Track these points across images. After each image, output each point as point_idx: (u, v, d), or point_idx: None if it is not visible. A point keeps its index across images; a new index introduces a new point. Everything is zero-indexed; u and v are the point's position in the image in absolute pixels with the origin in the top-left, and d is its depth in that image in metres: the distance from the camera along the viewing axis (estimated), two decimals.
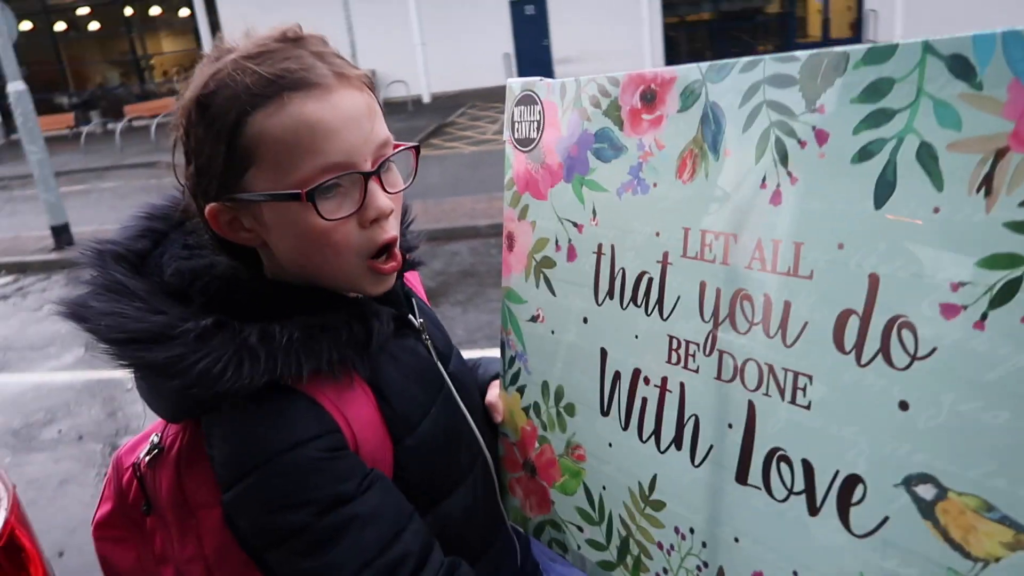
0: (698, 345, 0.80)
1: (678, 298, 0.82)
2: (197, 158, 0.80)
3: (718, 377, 0.79)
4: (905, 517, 0.64)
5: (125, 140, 18.18)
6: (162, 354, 0.75)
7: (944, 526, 0.61)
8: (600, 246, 0.90)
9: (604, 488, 0.95)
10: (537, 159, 0.96)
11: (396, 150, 0.82)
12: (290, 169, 0.76)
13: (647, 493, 0.89)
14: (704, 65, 0.76)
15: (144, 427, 3.68)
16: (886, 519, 0.65)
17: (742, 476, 0.78)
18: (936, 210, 0.59)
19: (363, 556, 0.78)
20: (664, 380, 0.85)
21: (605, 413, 0.92)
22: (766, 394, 0.74)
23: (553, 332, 0.98)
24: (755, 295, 0.74)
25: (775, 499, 0.75)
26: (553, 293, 0.97)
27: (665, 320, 0.84)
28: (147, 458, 0.92)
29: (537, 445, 1.03)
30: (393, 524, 0.80)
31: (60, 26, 26.15)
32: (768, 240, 0.72)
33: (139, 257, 0.86)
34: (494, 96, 18.84)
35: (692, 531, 0.84)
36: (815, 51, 0.66)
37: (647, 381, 0.87)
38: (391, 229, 0.80)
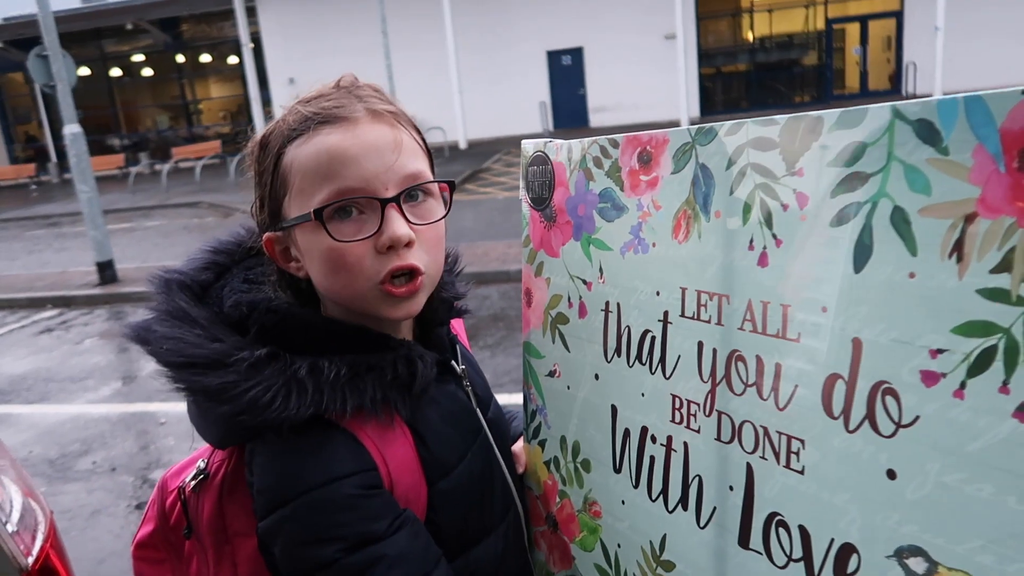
0: (699, 405, 0.80)
1: (679, 357, 0.82)
2: (259, 191, 0.87)
3: (718, 438, 0.79)
4: None
5: (171, 180, 18.77)
6: (216, 380, 0.79)
7: None
8: (607, 303, 0.91)
9: (619, 546, 0.95)
10: (550, 217, 0.98)
11: (425, 182, 0.83)
12: (312, 193, 0.80)
13: (658, 553, 0.89)
14: (693, 128, 0.77)
15: (174, 460, 3.74)
16: None
17: (744, 540, 0.77)
18: (912, 275, 0.59)
19: None
20: (669, 439, 0.85)
21: (617, 470, 0.93)
22: (763, 457, 0.74)
23: (568, 388, 0.99)
24: (748, 357, 0.74)
25: (775, 565, 0.74)
26: (568, 349, 0.99)
27: (668, 379, 0.84)
28: (192, 483, 0.94)
29: (558, 499, 1.03)
30: (422, 563, 0.81)
31: (115, 72, 27.26)
32: (757, 302, 0.72)
33: (202, 288, 0.90)
34: None
35: None
36: (794, 115, 0.67)
37: (654, 439, 0.87)
38: (409, 257, 0.81)
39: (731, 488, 0.78)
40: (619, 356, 0.90)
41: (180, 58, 26.92)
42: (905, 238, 0.59)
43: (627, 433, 0.91)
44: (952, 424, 0.57)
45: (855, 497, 0.65)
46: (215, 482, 0.93)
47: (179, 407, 5.29)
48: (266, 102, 22.42)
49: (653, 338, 0.85)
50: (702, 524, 0.82)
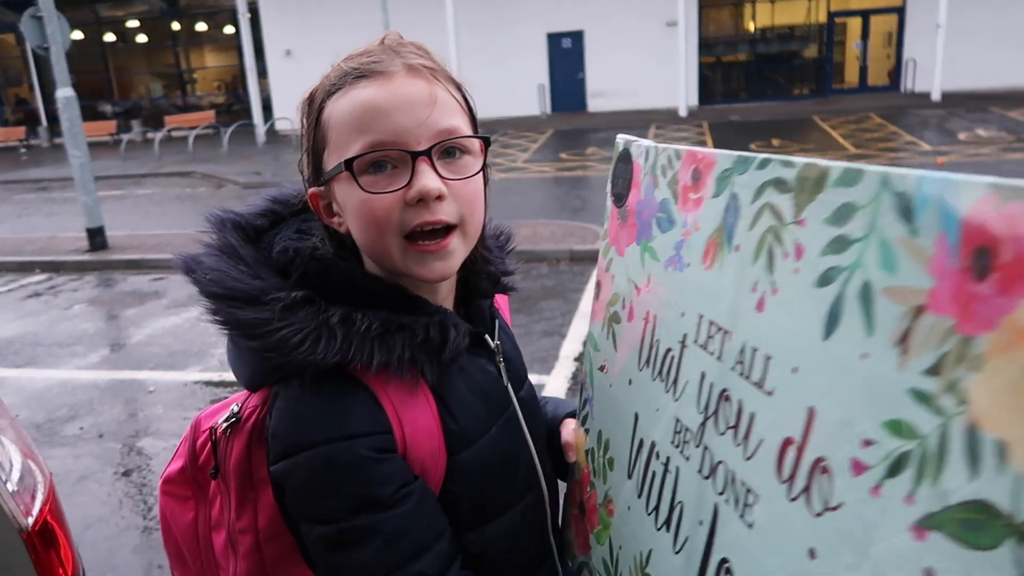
0: (692, 434, 0.81)
1: (687, 383, 0.82)
2: (304, 146, 0.89)
3: (700, 470, 0.79)
4: None
5: (163, 149, 18.60)
6: (251, 315, 0.81)
7: None
8: (647, 313, 0.92)
9: (620, 548, 0.97)
10: (623, 216, 0.98)
11: (458, 136, 0.83)
12: (346, 146, 0.82)
13: (644, 565, 0.90)
14: (735, 155, 0.76)
15: (162, 429, 3.74)
16: None
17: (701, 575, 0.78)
18: (864, 356, 0.56)
19: (382, 569, 0.80)
20: (668, 459, 0.86)
21: (629, 476, 0.94)
22: (727, 501, 0.74)
23: (611, 386, 1.01)
24: (734, 399, 0.73)
25: None
26: (615, 348, 1.00)
27: (676, 401, 0.84)
28: (224, 425, 0.95)
29: (588, 488, 1.05)
30: (417, 543, 0.82)
31: (109, 37, 26.89)
32: (749, 347, 0.71)
33: (256, 232, 0.93)
34: (525, 125, 19.04)
35: None
36: (809, 162, 0.65)
37: (657, 456, 0.88)
38: (438, 212, 0.81)
39: (700, 523, 0.78)
40: (647, 367, 0.91)
41: (176, 25, 26.57)
42: (867, 315, 0.56)
43: (640, 443, 0.92)
44: (864, 521, 0.55)
45: (781, 567, 0.64)
46: (246, 427, 0.93)
47: (168, 376, 5.27)
48: (262, 73, 22.19)
49: (672, 358, 0.85)
50: (676, 549, 0.83)
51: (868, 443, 0.55)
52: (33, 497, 1.34)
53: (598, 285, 1.06)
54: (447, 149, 0.82)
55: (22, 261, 8.86)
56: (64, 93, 8.51)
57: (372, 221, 0.81)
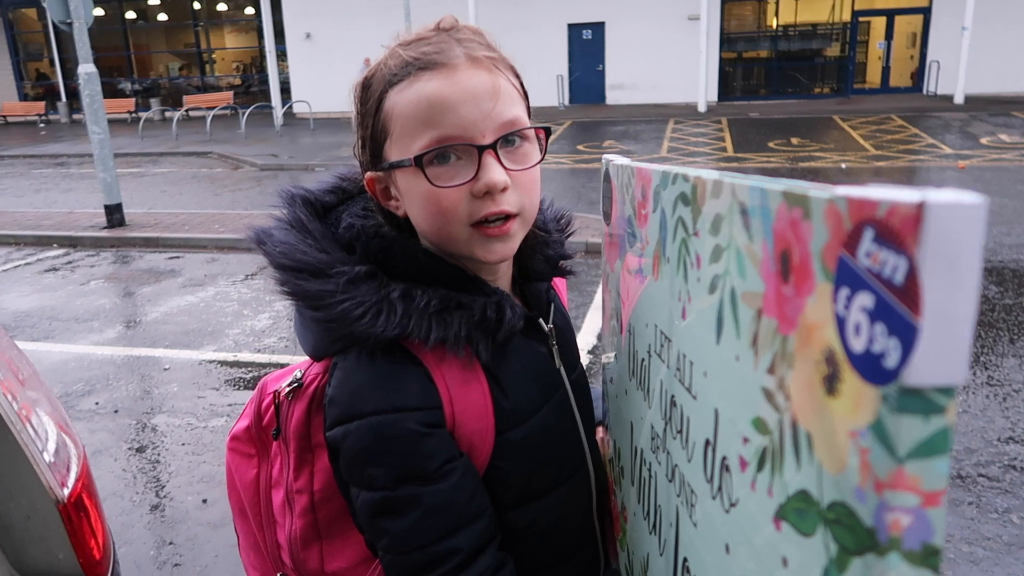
0: (660, 439, 0.83)
1: (654, 391, 0.86)
2: (361, 132, 0.90)
3: (666, 474, 0.82)
4: None
5: (181, 128, 18.66)
6: (316, 286, 0.84)
7: None
8: (630, 325, 0.95)
9: (633, 553, 0.99)
10: (611, 233, 1.02)
11: (521, 128, 0.85)
12: (412, 139, 0.83)
13: (645, 569, 0.92)
14: (661, 171, 0.78)
15: (177, 407, 3.77)
16: None
17: None
18: (737, 358, 0.58)
19: (420, 539, 0.83)
20: (650, 465, 0.89)
21: (632, 483, 0.97)
22: (683, 503, 0.76)
23: (617, 397, 1.05)
24: (678, 403, 0.76)
25: None
26: (617, 360, 1.04)
27: (650, 409, 0.87)
28: (287, 389, 1.00)
29: (613, 497, 1.09)
30: (456, 518, 0.84)
31: (130, 15, 26.96)
32: (681, 353, 0.74)
33: (324, 208, 0.95)
34: (543, 116, 18.97)
35: None
36: (698, 175, 0.66)
37: (644, 463, 0.91)
38: (503, 203, 0.83)
39: (670, 524, 0.81)
40: (634, 377, 0.94)
41: (196, 5, 26.61)
42: (735, 319, 0.59)
43: (635, 451, 0.95)
44: (749, 514, 0.57)
45: (714, 563, 0.67)
46: (307, 392, 0.98)
47: (183, 354, 5.30)
48: (281, 56, 22.21)
49: (646, 368, 0.89)
50: (660, 552, 0.85)
51: (746, 440, 0.57)
52: (68, 469, 1.35)
53: (603, 301, 1.10)
54: (508, 138, 0.84)
55: (40, 235, 8.92)
56: (86, 69, 8.54)
57: (439, 211, 0.83)
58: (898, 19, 20.73)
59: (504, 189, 0.82)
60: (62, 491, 1.28)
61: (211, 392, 4.69)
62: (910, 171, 10.81)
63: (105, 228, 8.96)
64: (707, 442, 0.67)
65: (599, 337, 5.17)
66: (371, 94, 0.87)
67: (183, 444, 4.03)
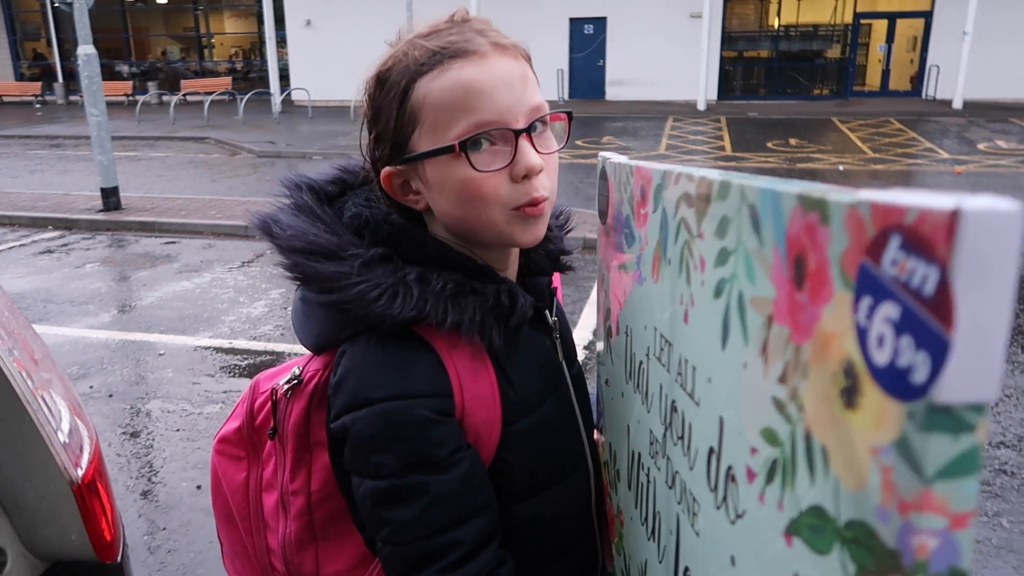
0: (660, 445, 0.82)
1: (653, 394, 0.84)
2: (376, 127, 0.89)
3: (666, 481, 0.80)
4: None
5: (178, 113, 18.55)
6: (330, 268, 0.84)
7: None
8: (627, 327, 0.94)
9: (630, 558, 0.98)
10: (608, 233, 1.00)
11: (549, 112, 0.87)
12: (448, 126, 0.82)
13: (643, 575, 0.91)
14: (663, 170, 0.76)
15: (172, 392, 3.75)
16: None
17: None
18: (745, 365, 0.56)
19: (424, 529, 0.82)
20: (648, 470, 0.87)
21: (629, 487, 0.96)
22: (684, 511, 0.75)
23: (612, 399, 1.03)
24: (679, 409, 0.74)
25: None
26: (612, 363, 1.02)
27: (648, 413, 0.86)
28: (286, 386, 0.97)
29: (608, 500, 1.07)
30: (461, 509, 0.83)
31: None
32: (683, 358, 0.72)
33: (328, 197, 0.95)
34: None
35: None
36: (704, 175, 0.65)
37: (642, 467, 0.90)
38: (540, 187, 0.84)
39: (671, 532, 0.79)
40: (631, 380, 0.93)
41: None
42: (743, 325, 0.56)
43: (632, 455, 0.94)
44: (757, 527, 0.55)
45: (718, 574, 0.64)
46: (307, 389, 0.95)
47: (178, 340, 5.29)
48: (281, 42, 22.09)
49: (644, 370, 0.87)
50: (659, 559, 0.84)
51: (754, 451, 0.55)
52: (81, 451, 1.35)
53: (598, 301, 1.08)
54: (534, 125, 0.84)
55: (35, 217, 8.88)
56: (86, 51, 8.48)
57: (479, 197, 0.83)
58: (899, 22, 20.76)
59: (540, 172, 0.84)
60: (76, 472, 1.28)
61: (206, 378, 4.68)
62: (907, 175, 10.84)
63: (101, 211, 8.92)
64: (711, 450, 0.65)
65: (594, 333, 5.18)
66: (391, 86, 0.85)
67: (178, 430, 4.03)
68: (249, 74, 26.39)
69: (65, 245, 8.01)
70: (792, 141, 13.76)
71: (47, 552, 1.37)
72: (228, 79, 23.77)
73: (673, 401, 0.76)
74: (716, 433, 0.64)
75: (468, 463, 0.84)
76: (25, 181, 11.56)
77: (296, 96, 20.86)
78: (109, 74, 24.80)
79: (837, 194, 0.42)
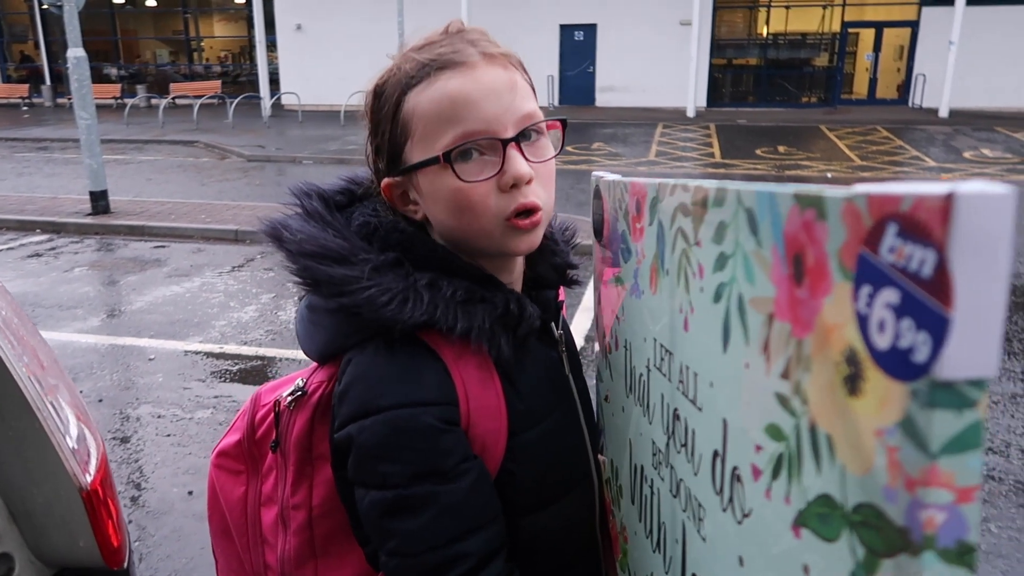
0: (663, 455, 0.82)
1: (655, 405, 0.84)
2: (375, 139, 0.90)
3: (671, 490, 0.80)
4: None
5: (167, 116, 18.46)
6: (341, 271, 0.83)
7: None
8: (626, 341, 0.94)
9: (635, 574, 0.97)
10: (603, 250, 1.01)
11: (539, 121, 0.86)
12: (435, 137, 0.83)
13: None
14: (657, 183, 0.77)
15: (162, 398, 3.71)
16: None
17: None
18: (747, 365, 0.57)
19: (432, 540, 0.81)
20: (652, 482, 0.87)
21: (632, 502, 0.96)
22: (689, 518, 0.75)
23: (613, 415, 1.03)
24: (681, 417, 0.75)
25: None
26: (612, 378, 1.02)
27: (650, 424, 0.86)
28: (289, 398, 0.96)
29: (611, 517, 1.07)
30: (469, 520, 0.82)
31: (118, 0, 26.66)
32: (684, 366, 0.73)
33: (337, 206, 0.95)
34: None
35: None
36: (699, 184, 0.66)
37: (646, 480, 0.90)
38: (531, 195, 0.84)
39: (676, 541, 0.79)
40: (632, 393, 0.93)
41: None
42: (744, 326, 0.58)
43: (635, 469, 0.94)
44: (764, 523, 0.56)
45: None
46: (311, 401, 0.94)
47: (169, 344, 5.26)
48: (271, 47, 22.05)
49: (644, 383, 0.88)
50: (666, 570, 0.84)
51: (759, 448, 0.56)
52: (89, 456, 1.34)
53: (595, 317, 1.09)
54: (526, 132, 0.84)
55: (23, 220, 8.82)
56: (75, 53, 8.44)
57: (468, 207, 0.83)
58: (887, 31, 20.94)
59: (529, 181, 0.83)
60: (85, 478, 1.28)
61: (197, 383, 4.66)
62: (894, 182, 10.93)
63: (89, 215, 8.86)
64: (715, 453, 0.66)
65: (587, 339, 5.20)
66: (385, 100, 0.86)
67: (168, 435, 4.01)
68: (239, 78, 26.30)
69: (53, 249, 7.96)
70: (781, 148, 13.85)
71: (54, 558, 1.36)
72: (218, 83, 23.69)
73: (675, 409, 0.77)
74: (720, 436, 0.64)
75: (476, 473, 0.83)
76: (12, 184, 11.47)
77: (286, 100, 20.81)
78: (98, 77, 24.65)
79: (833, 191, 0.44)
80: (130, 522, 3.29)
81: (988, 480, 3.49)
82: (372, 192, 0.96)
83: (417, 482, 0.80)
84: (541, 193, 0.85)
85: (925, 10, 19.67)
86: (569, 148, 13.69)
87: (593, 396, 1.07)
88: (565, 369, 0.99)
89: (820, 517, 0.48)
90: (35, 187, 11.12)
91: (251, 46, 23.90)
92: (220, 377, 4.77)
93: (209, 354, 5.12)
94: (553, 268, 0.98)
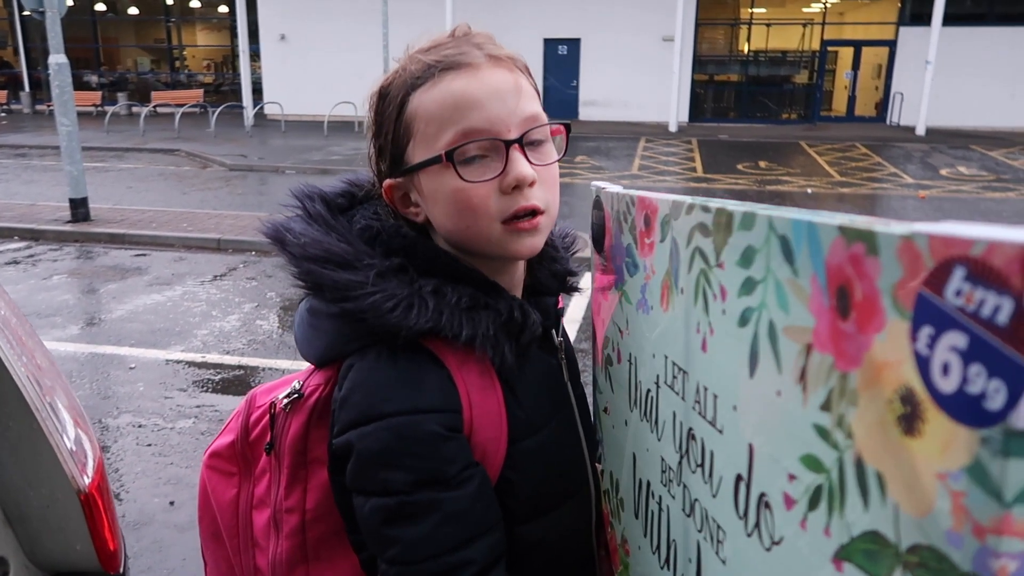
0: (675, 472, 0.82)
1: (664, 422, 0.84)
2: (378, 140, 0.89)
3: (683, 508, 0.80)
4: None
5: (149, 125, 18.31)
6: (346, 276, 0.83)
7: None
8: (631, 355, 0.94)
9: None
10: (604, 261, 1.00)
11: (543, 124, 0.86)
12: (438, 137, 0.83)
13: None
14: (671, 200, 0.77)
15: (144, 407, 3.66)
16: None
17: None
18: (779, 393, 0.56)
19: (434, 548, 0.80)
20: (660, 498, 0.87)
21: (636, 516, 0.95)
22: (705, 538, 0.74)
23: (613, 427, 1.02)
24: (697, 437, 0.74)
25: None
26: (612, 390, 1.02)
27: (659, 441, 0.86)
28: (285, 400, 0.95)
29: (609, 529, 1.06)
30: (472, 527, 0.82)
31: (100, 7, 26.47)
32: (702, 386, 0.72)
33: (338, 209, 0.94)
34: None
35: None
36: (721, 205, 0.66)
37: (653, 495, 0.89)
38: (532, 197, 0.83)
39: (690, 560, 0.79)
40: (636, 407, 0.93)
41: (168, 0, 26.23)
42: (776, 354, 0.57)
43: (640, 483, 0.93)
44: (799, 554, 0.55)
45: None
46: (307, 404, 0.93)
47: (150, 353, 5.20)
48: (254, 56, 21.98)
49: (652, 398, 0.87)
50: None
51: (793, 477, 0.55)
52: (86, 459, 1.32)
53: (593, 328, 1.08)
54: (530, 136, 0.84)
55: (0, 227, 8.68)
56: (57, 59, 8.36)
57: (468, 208, 0.83)
58: (865, 50, 21.31)
59: (532, 183, 0.83)
60: (84, 480, 1.25)
61: (178, 393, 4.61)
62: (873, 199, 11.08)
63: (69, 222, 8.75)
64: (739, 477, 0.65)
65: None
66: (390, 100, 0.86)
67: (149, 445, 3.95)
68: (221, 87, 26.18)
69: (31, 256, 7.85)
70: (762, 163, 14.00)
71: (50, 563, 1.34)
72: (200, 92, 23.55)
73: (690, 429, 0.76)
74: (745, 460, 0.63)
75: (478, 480, 0.83)
76: None
77: (269, 110, 20.72)
78: (78, 84, 24.35)
79: (884, 226, 0.43)
80: None
81: None
82: (373, 195, 0.95)
83: (420, 489, 0.79)
84: (543, 196, 0.85)
85: (902, 30, 20.03)
86: None
87: (590, 405, 1.06)
88: (564, 377, 0.99)
89: (867, 554, 0.47)
90: (13, 194, 10.97)
91: (234, 55, 23.85)
92: (202, 387, 4.72)
93: (191, 363, 5.06)
94: (553, 275, 0.98)
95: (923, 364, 0.41)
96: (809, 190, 11.52)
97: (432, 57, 0.84)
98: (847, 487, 0.49)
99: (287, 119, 19.56)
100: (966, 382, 0.38)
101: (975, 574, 0.38)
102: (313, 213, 0.90)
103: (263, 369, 4.98)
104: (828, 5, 21.18)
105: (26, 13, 8.39)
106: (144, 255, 7.90)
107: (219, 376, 4.87)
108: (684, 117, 20.68)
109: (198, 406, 4.43)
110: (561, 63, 21.40)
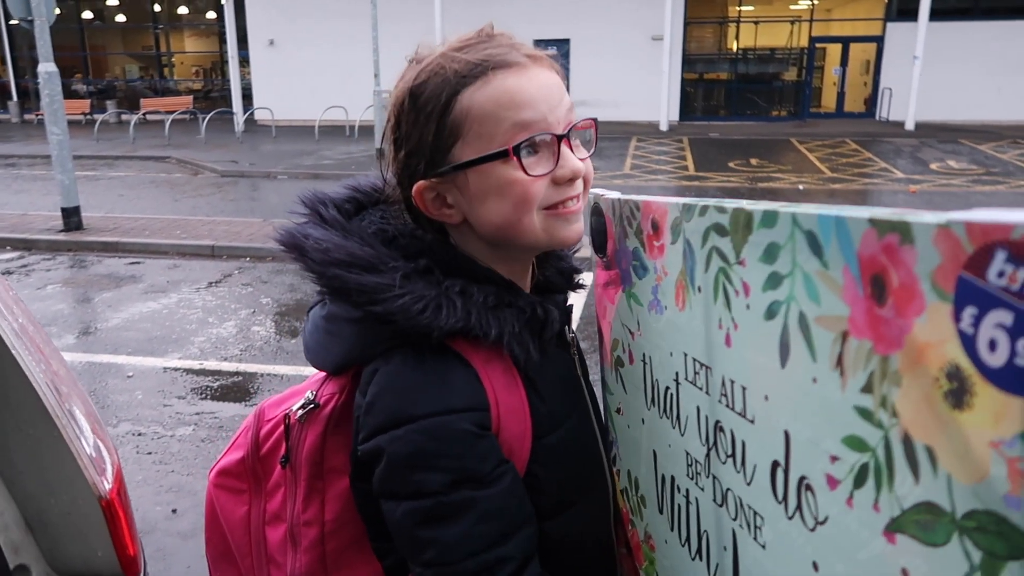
0: (702, 465, 0.84)
1: (687, 417, 0.86)
2: (407, 143, 0.87)
3: (714, 499, 0.82)
4: None
5: (138, 132, 18.25)
6: (373, 280, 0.82)
7: None
8: (644, 355, 0.96)
9: None
10: (607, 266, 1.03)
11: (581, 119, 0.88)
12: (495, 133, 0.83)
13: None
14: (681, 203, 0.80)
15: (143, 415, 3.64)
16: None
17: None
18: (815, 380, 0.60)
19: (472, 546, 0.80)
20: (687, 492, 0.89)
21: (660, 511, 0.97)
22: (741, 526, 0.76)
23: (629, 427, 1.04)
24: (726, 429, 0.77)
25: None
26: (625, 391, 1.04)
27: (682, 436, 0.88)
28: (300, 411, 0.94)
29: (630, 527, 1.08)
30: (507, 524, 0.82)
31: (87, 15, 26.38)
32: (728, 379, 0.75)
33: (346, 215, 0.94)
34: None
35: None
36: (738, 205, 0.69)
37: (678, 489, 0.91)
38: (577, 187, 0.86)
39: (724, 548, 0.81)
40: (654, 406, 0.95)
41: (156, 7, 26.15)
42: (808, 343, 0.60)
43: (663, 479, 0.96)
44: (847, 530, 0.58)
45: None
46: (323, 413, 0.93)
47: (147, 361, 5.18)
48: (243, 62, 21.92)
49: (671, 395, 0.90)
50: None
51: (835, 459, 0.58)
52: (106, 465, 1.31)
53: (600, 331, 1.10)
54: (571, 131, 0.87)
55: None
56: (47, 68, 8.33)
57: (523, 201, 0.83)
58: (853, 46, 21.40)
59: (582, 175, 0.86)
60: (104, 486, 1.25)
61: (177, 400, 4.59)
62: (865, 194, 11.14)
63: (62, 231, 8.72)
64: (775, 464, 0.67)
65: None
66: (428, 100, 0.84)
67: (150, 453, 3.94)
68: (211, 93, 26.12)
69: (24, 266, 7.81)
70: (753, 161, 14.05)
71: (71, 569, 1.33)
72: (189, 98, 23.49)
73: (717, 421, 0.78)
74: (781, 447, 0.66)
75: (510, 477, 0.84)
76: None
77: (259, 116, 20.69)
78: (67, 92, 24.19)
79: (916, 216, 0.47)
80: None
81: None
82: (382, 199, 0.95)
83: (455, 489, 0.80)
84: (582, 188, 0.88)
85: (890, 25, 20.14)
86: None
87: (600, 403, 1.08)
88: (578, 371, 1.00)
89: (921, 524, 0.50)
90: (3, 204, 10.92)
91: (223, 61, 23.79)
92: (200, 394, 4.71)
93: (189, 370, 5.05)
94: (560, 273, 0.99)
95: (968, 342, 0.44)
96: (801, 186, 11.57)
97: (476, 56, 0.84)
98: (895, 463, 0.52)
99: (277, 124, 19.53)
100: (1015, 355, 0.41)
101: None
102: (329, 219, 0.89)
103: (261, 375, 4.97)
104: (815, 2, 21.27)
105: (14, 22, 8.33)
106: (138, 263, 7.87)
107: (217, 383, 4.86)
108: (675, 116, 20.73)
109: (197, 413, 4.42)
110: None
